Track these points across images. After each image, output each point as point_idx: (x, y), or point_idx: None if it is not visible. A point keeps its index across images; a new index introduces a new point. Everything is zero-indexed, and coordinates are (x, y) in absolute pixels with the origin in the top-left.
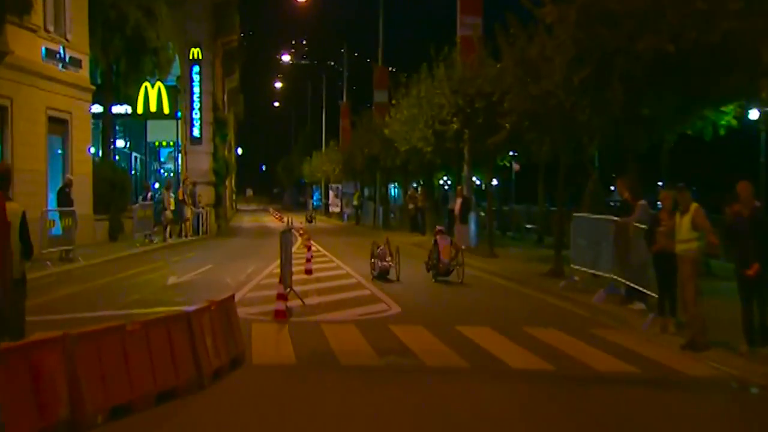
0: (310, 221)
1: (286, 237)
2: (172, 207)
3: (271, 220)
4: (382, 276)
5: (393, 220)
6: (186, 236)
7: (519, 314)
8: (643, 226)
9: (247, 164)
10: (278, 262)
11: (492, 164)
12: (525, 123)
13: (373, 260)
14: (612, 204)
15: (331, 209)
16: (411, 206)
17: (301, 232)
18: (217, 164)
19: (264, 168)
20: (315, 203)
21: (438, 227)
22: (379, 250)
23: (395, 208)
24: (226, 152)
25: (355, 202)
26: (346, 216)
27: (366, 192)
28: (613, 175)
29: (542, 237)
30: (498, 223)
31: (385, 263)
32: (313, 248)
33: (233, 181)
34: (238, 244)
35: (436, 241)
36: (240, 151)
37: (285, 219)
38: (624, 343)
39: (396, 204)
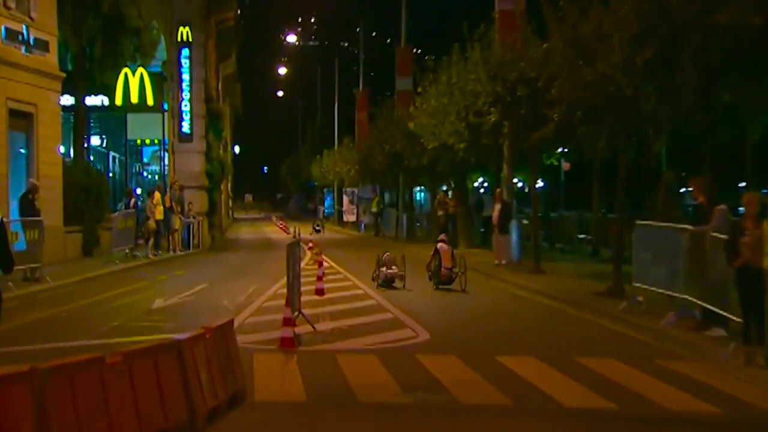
0: (317, 230)
1: (293, 251)
2: (158, 216)
3: (275, 231)
4: (386, 284)
5: (419, 229)
6: (174, 250)
7: (571, 341)
8: (722, 236)
9: (246, 165)
10: (284, 280)
11: (537, 163)
12: (577, 114)
13: (378, 268)
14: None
15: (345, 217)
16: (440, 213)
17: (310, 245)
18: (210, 165)
19: (266, 169)
20: (326, 211)
21: (441, 236)
22: (384, 257)
23: (422, 215)
24: (221, 151)
25: (373, 209)
26: (363, 225)
27: (387, 197)
28: (684, 174)
29: (598, 249)
30: (545, 233)
31: (391, 271)
32: (325, 264)
33: (230, 185)
34: (237, 260)
35: (436, 249)
36: (237, 149)
37: (291, 229)
38: (700, 377)
39: (423, 211)
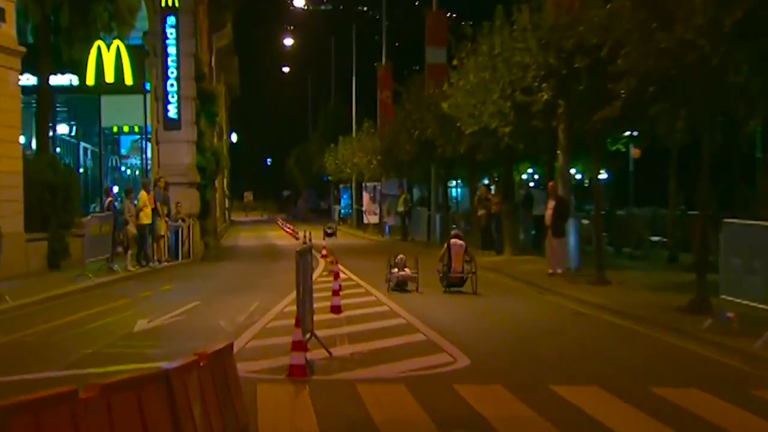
0: (329, 234)
1: (304, 260)
2: (145, 220)
3: (281, 236)
4: (399, 286)
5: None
6: (159, 261)
7: (642, 368)
8: None
9: (246, 157)
10: (293, 296)
11: (600, 150)
12: (649, 89)
13: (390, 270)
14: None
15: (366, 219)
16: (481, 212)
17: (324, 253)
18: (202, 157)
19: (269, 162)
20: (343, 211)
21: (454, 231)
22: (397, 259)
23: (459, 215)
24: (215, 140)
25: (400, 209)
26: (388, 228)
27: (416, 193)
28: None
29: (676, 254)
30: (609, 235)
31: (403, 273)
32: (342, 276)
33: (226, 182)
34: (235, 271)
35: (449, 245)
36: (235, 138)
37: (301, 234)
38: None
39: (460, 210)
